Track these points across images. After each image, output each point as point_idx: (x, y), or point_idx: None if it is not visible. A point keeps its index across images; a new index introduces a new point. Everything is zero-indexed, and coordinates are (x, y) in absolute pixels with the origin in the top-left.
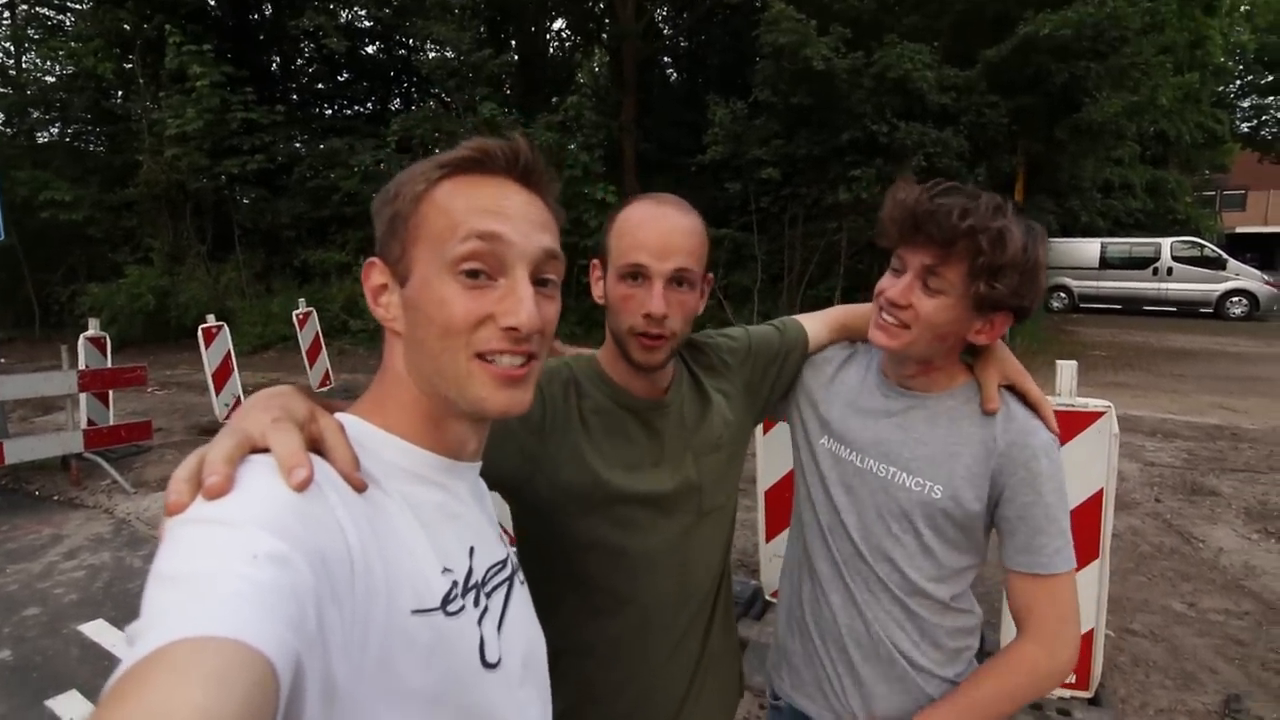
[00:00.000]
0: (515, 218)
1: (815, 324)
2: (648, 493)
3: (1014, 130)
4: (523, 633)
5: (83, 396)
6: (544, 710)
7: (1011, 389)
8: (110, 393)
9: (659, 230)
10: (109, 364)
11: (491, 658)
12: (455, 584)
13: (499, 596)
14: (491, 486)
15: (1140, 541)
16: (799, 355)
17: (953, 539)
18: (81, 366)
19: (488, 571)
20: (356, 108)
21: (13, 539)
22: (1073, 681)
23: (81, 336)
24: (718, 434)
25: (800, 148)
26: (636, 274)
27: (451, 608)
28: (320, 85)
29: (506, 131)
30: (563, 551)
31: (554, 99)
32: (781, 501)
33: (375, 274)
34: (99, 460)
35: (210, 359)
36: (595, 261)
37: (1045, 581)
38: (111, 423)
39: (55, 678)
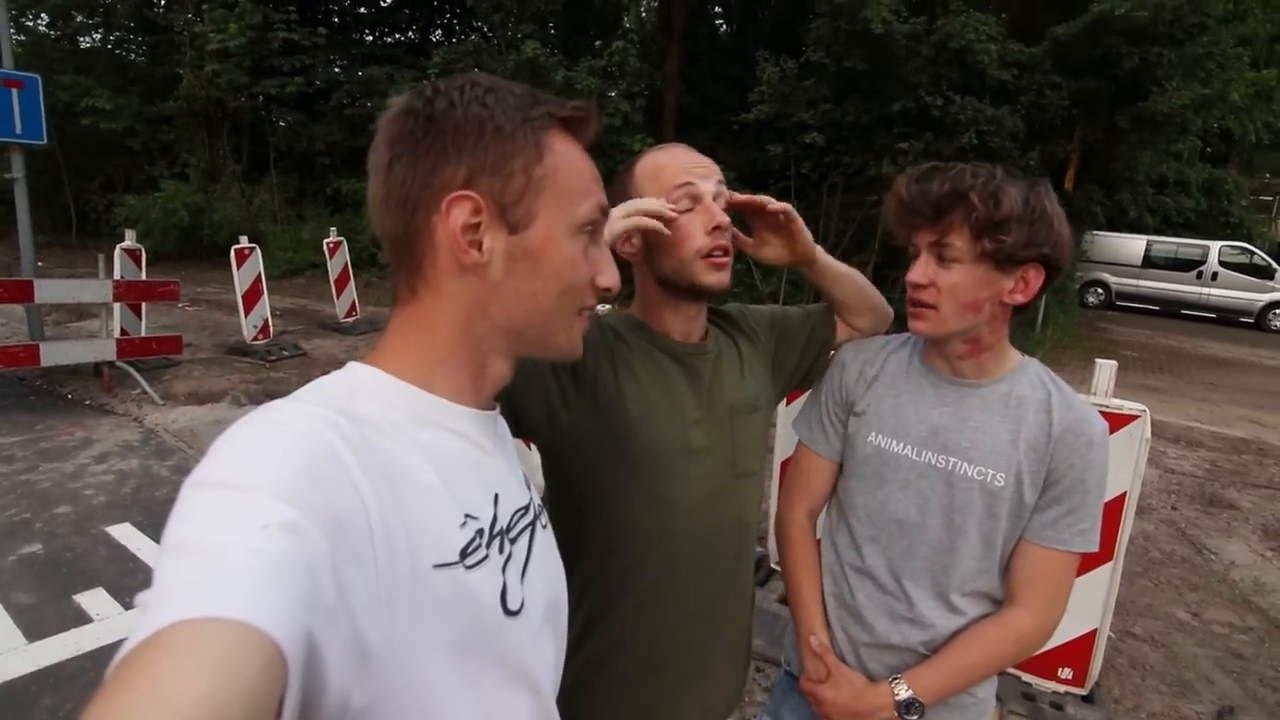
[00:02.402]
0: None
1: None
2: (686, 442)
3: (1073, 114)
4: (546, 577)
5: (117, 306)
6: (558, 652)
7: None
8: (143, 305)
9: (689, 158)
10: (143, 276)
11: (513, 605)
12: (480, 532)
13: (523, 542)
14: (520, 431)
15: (1151, 547)
16: (824, 338)
17: (1010, 526)
18: (117, 277)
19: (512, 517)
20: (398, 36)
21: (46, 439)
22: (1069, 677)
23: (118, 247)
24: (754, 394)
25: (848, 114)
26: (689, 198)
27: (471, 560)
28: (362, 9)
29: (583, 99)
30: (593, 497)
31: (598, 42)
32: None
33: (466, 211)
34: (130, 370)
35: (241, 280)
36: None
37: (1056, 557)
38: (143, 334)
39: (83, 575)
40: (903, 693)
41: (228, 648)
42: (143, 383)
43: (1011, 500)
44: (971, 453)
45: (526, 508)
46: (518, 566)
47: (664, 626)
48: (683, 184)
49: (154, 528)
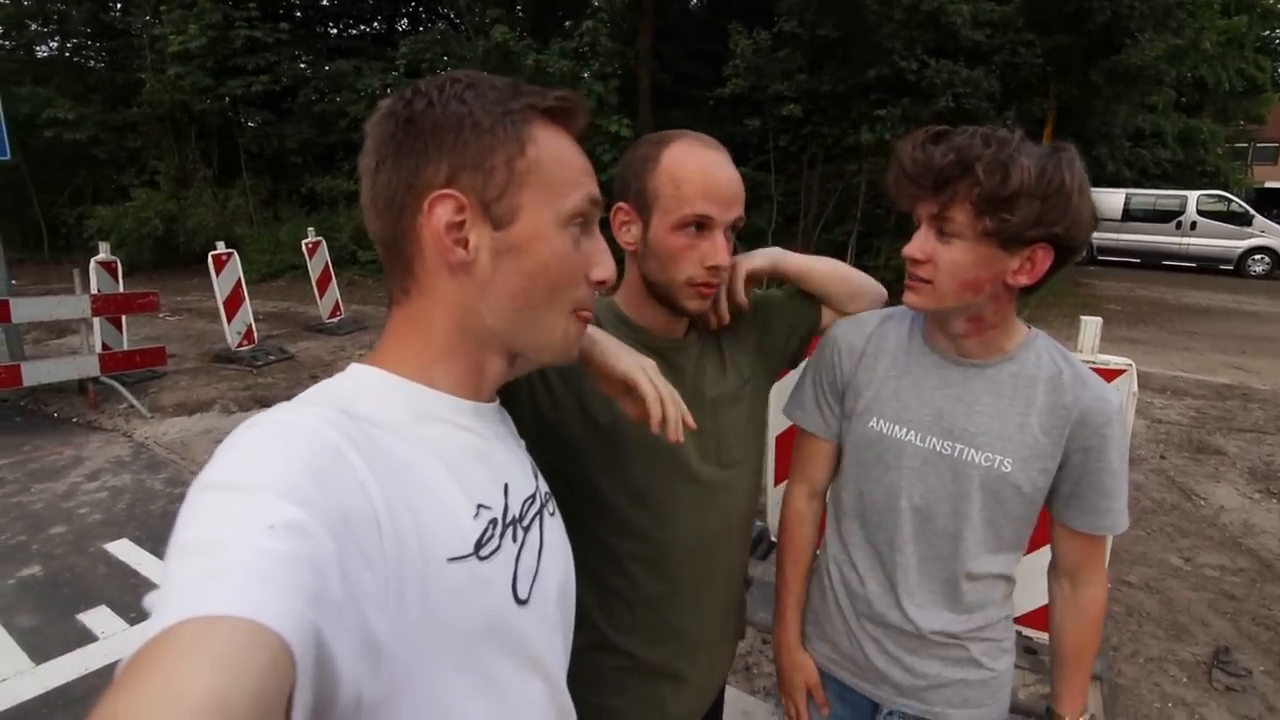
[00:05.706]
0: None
1: None
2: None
3: (1047, 72)
4: (557, 563)
5: (96, 321)
6: (567, 636)
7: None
8: (123, 318)
9: (721, 180)
10: (120, 288)
11: (523, 593)
12: (494, 522)
13: (535, 530)
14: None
15: (1142, 497)
16: (808, 322)
17: (1019, 510)
18: (94, 291)
19: (523, 505)
20: (363, 27)
21: (35, 459)
22: None
23: (93, 260)
24: (735, 387)
25: (824, 84)
26: (700, 224)
27: (485, 551)
28: (325, 2)
29: (577, 88)
30: (582, 493)
31: (568, 23)
32: (790, 448)
33: (449, 209)
34: (115, 384)
35: (221, 286)
36: (622, 205)
37: (1099, 539)
38: (126, 347)
39: (85, 593)
40: None
41: (234, 644)
42: (129, 397)
43: (1020, 484)
44: (979, 438)
45: (534, 495)
46: (532, 554)
47: (658, 616)
48: (697, 214)
49: (152, 541)
